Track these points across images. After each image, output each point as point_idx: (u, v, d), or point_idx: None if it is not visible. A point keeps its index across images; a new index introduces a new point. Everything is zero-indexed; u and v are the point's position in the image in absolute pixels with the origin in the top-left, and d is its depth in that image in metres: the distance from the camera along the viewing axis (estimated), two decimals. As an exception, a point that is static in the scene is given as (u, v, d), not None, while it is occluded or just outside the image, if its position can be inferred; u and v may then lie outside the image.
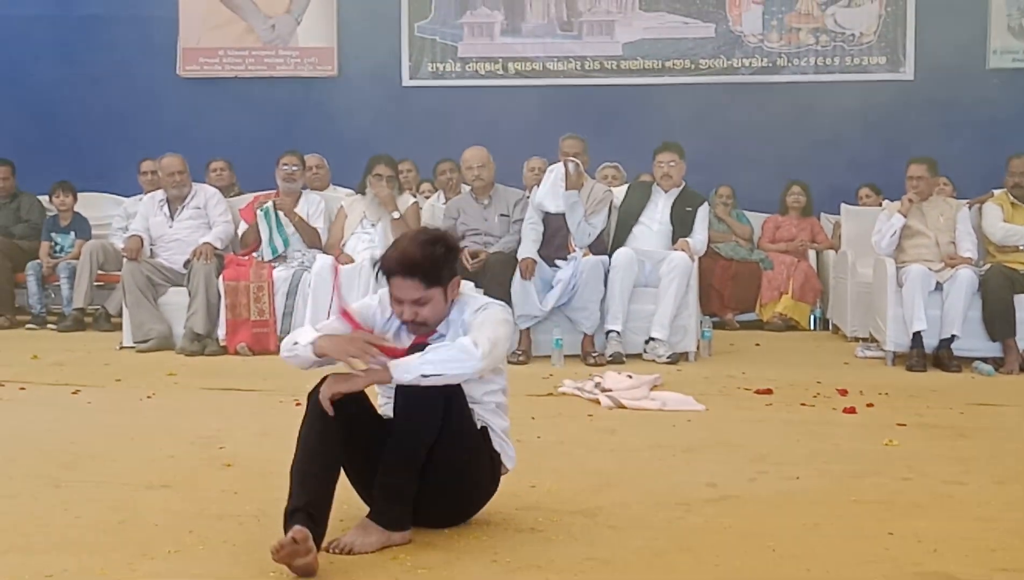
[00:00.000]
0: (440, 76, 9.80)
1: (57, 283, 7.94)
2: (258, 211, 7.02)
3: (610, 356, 6.22)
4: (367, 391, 2.87)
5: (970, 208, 6.73)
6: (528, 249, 6.45)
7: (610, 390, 5.08)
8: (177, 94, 9.85)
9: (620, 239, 6.73)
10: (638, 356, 6.36)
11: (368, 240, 6.87)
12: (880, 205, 7.10)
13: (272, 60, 9.94)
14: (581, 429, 4.44)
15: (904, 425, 4.45)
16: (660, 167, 6.81)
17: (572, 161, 6.48)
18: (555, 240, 6.52)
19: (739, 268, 8.16)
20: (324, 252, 6.89)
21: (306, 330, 2.96)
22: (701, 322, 6.66)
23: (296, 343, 2.91)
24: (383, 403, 2.98)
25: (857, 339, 7.06)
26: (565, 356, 6.22)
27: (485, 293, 6.06)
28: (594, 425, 4.52)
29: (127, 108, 9.66)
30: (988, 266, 6.39)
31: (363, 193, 7.07)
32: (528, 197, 6.81)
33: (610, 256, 6.48)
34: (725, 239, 8.35)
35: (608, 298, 6.37)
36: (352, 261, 6.69)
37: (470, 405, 2.90)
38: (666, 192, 6.81)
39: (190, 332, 6.67)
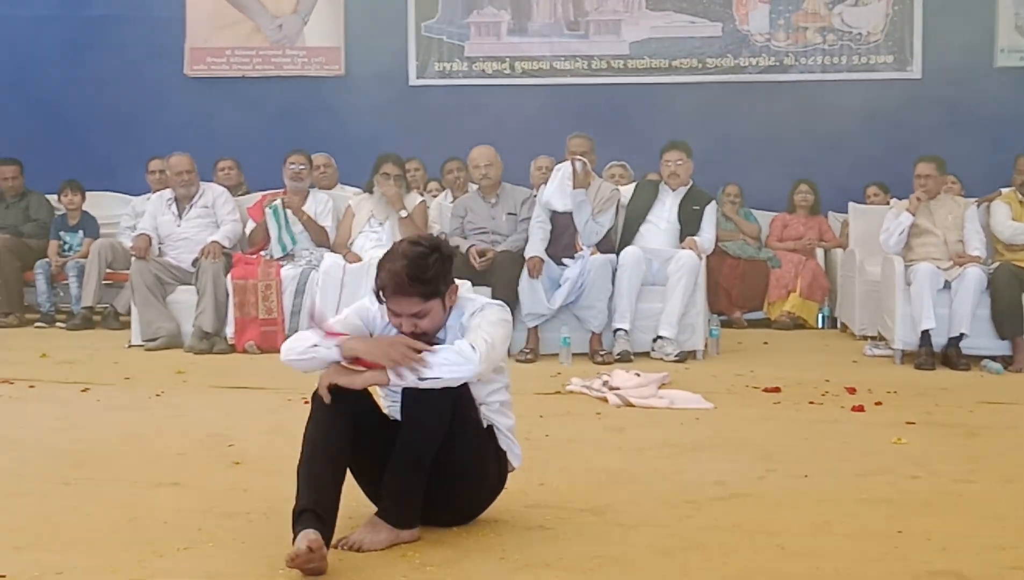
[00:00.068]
0: (447, 75, 9.79)
1: (66, 282, 7.94)
2: (267, 209, 7.03)
3: (618, 354, 6.22)
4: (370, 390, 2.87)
5: (978, 206, 6.73)
6: (536, 248, 6.45)
7: (618, 388, 5.08)
8: (184, 94, 9.85)
9: (628, 238, 6.72)
10: (646, 354, 6.35)
11: (376, 239, 6.87)
12: (888, 204, 7.08)
13: (279, 60, 9.93)
14: (589, 427, 4.43)
15: (913, 423, 4.44)
16: (667, 166, 6.80)
17: (579, 160, 6.47)
18: (563, 239, 6.52)
19: (747, 266, 8.14)
20: (332, 251, 6.89)
21: (308, 334, 2.87)
22: (709, 320, 6.67)
23: (315, 346, 2.81)
24: (388, 406, 2.98)
25: (865, 337, 7.03)
26: (573, 354, 6.22)
27: (493, 292, 6.10)
28: (602, 423, 4.51)
29: (135, 107, 9.66)
30: (996, 264, 6.37)
31: (371, 192, 7.07)
32: (535, 196, 6.80)
33: (618, 254, 6.48)
34: (733, 238, 8.34)
35: (616, 296, 6.37)
36: (360, 260, 6.69)
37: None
38: (673, 191, 6.80)
39: (198, 330, 6.68)
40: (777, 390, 5.21)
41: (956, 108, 8.98)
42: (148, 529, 2.97)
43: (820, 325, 8.04)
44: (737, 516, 3.11)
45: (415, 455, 2.78)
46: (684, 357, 6.28)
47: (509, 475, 3.07)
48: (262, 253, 7.01)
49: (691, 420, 4.55)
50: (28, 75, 9.84)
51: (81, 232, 8.27)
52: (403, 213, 6.83)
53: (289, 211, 6.98)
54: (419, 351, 2.74)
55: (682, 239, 6.67)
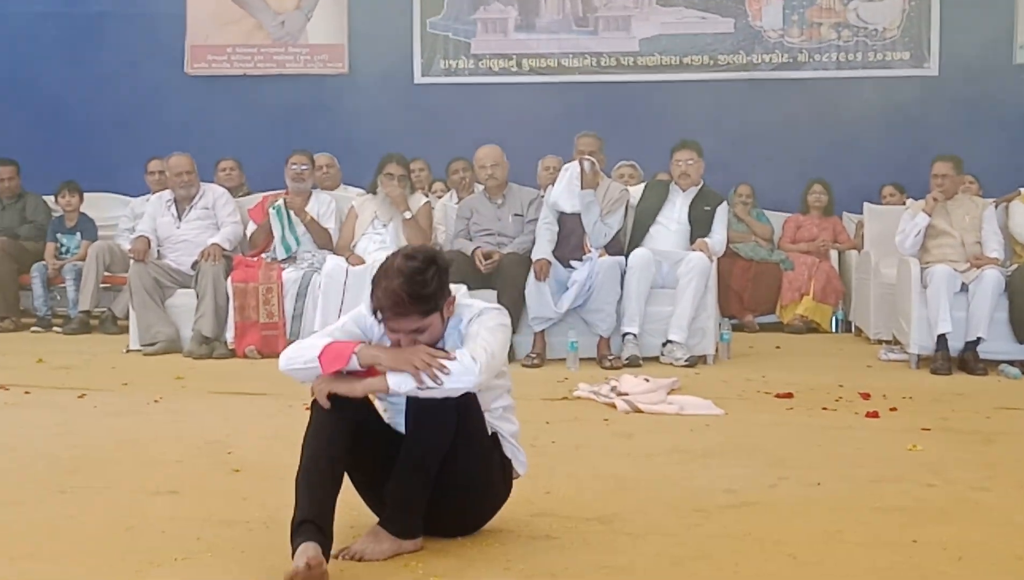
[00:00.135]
0: (453, 73, 9.75)
1: (63, 285, 7.91)
2: (270, 209, 6.99)
3: (626, 359, 6.17)
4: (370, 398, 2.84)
5: (996, 207, 6.68)
6: (543, 250, 6.40)
7: (626, 394, 5.05)
8: (185, 92, 9.84)
9: (637, 239, 6.67)
10: (655, 359, 6.31)
11: (380, 241, 6.83)
12: (904, 204, 7.03)
13: (282, 57, 9.90)
14: (597, 434, 4.39)
15: (928, 430, 4.40)
16: (678, 165, 6.75)
17: (588, 160, 6.44)
18: (570, 240, 6.47)
19: (759, 269, 8.11)
20: (335, 253, 6.84)
21: (309, 343, 2.85)
22: (720, 324, 6.62)
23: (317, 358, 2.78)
24: (388, 418, 2.94)
25: (880, 341, 7.00)
26: (580, 359, 6.16)
27: (499, 295, 6.07)
28: (610, 429, 4.48)
29: (134, 107, 9.66)
30: (1015, 266, 6.31)
31: (374, 193, 7.02)
32: (543, 196, 6.77)
33: (627, 257, 6.43)
34: (744, 239, 8.30)
35: (624, 300, 6.31)
36: (363, 262, 6.62)
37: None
38: (684, 191, 6.75)
39: (198, 335, 6.62)
40: (789, 395, 5.16)
41: (974, 106, 8.93)
42: (145, 538, 2.95)
43: (834, 329, 8.03)
44: (748, 524, 3.08)
45: (419, 463, 2.75)
46: (694, 362, 6.23)
47: (514, 483, 3.03)
48: (264, 255, 6.95)
49: (701, 426, 4.52)
50: (25, 73, 9.84)
51: (79, 234, 8.22)
52: (407, 214, 6.78)
53: (292, 212, 6.91)
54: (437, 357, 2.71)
55: (692, 241, 6.61)
